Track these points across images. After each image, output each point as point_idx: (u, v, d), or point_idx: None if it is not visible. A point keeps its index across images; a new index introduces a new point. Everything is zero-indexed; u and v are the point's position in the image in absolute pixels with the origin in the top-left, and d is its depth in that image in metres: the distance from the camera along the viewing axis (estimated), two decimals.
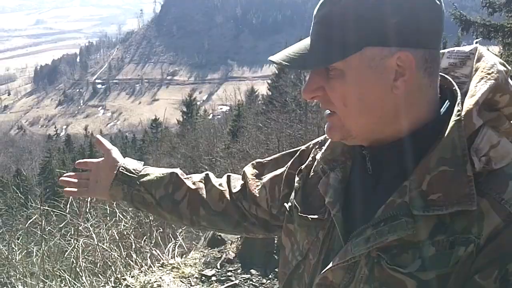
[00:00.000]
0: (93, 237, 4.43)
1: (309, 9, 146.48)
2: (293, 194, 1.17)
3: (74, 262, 4.29)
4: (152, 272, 3.67)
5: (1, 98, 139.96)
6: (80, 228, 4.66)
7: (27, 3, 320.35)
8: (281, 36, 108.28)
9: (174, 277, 3.61)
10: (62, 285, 4.15)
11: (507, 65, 0.97)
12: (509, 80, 0.95)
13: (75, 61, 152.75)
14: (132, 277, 3.63)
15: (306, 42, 0.96)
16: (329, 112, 0.98)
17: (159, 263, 3.96)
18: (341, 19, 0.90)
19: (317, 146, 1.21)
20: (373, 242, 0.92)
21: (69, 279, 4.16)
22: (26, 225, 5.16)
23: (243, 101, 35.92)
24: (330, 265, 0.98)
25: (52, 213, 5.30)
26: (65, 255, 4.75)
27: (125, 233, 4.64)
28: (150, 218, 5.05)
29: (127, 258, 4.16)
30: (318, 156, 1.14)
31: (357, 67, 0.91)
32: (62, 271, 4.46)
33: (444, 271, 0.87)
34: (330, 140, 1.11)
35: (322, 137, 1.22)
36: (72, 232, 4.79)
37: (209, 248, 4.32)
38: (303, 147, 1.27)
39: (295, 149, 1.32)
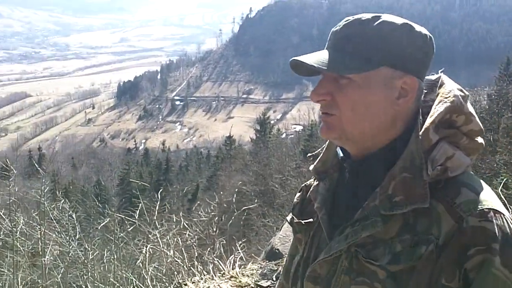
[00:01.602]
0: (160, 244, 4.67)
1: None
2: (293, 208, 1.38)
3: (142, 267, 4.54)
4: (211, 279, 3.84)
5: (86, 111, 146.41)
6: (150, 236, 4.91)
7: (113, 22, 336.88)
8: None
9: (231, 286, 3.76)
10: None
11: (464, 91, 1.15)
12: (466, 103, 1.13)
13: (156, 78, 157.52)
14: (193, 283, 3.81)
15: (323, 54, 1.14)
16: (328, 114, 1.15)
17: (220, 273, 4.13)
18: (367, 40, 1.11)
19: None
20: (350, 239, 1.10)
21: (138, 284, 4.40)
22: (100, 230, 5.48)
23: (316, 121, 35.83)
24: (319, 259, 1.17)
25: (126, 221, 5.58)
26: (136, 263, 4.99)
27: (189, 242, 4.84)
28: (214, 229, 5.25)
29: (190, 267, 4.36)
30: (310, 168, 1.32)
31: (372, 81, 1.11)
32: (132, 277, 4.70)
33: (408, 264, 1.03)
34: (322, 154, 1.30)
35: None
36: (143, 240, 5.05)
37: (267, 260, 4.44)
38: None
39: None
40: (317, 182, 1.29)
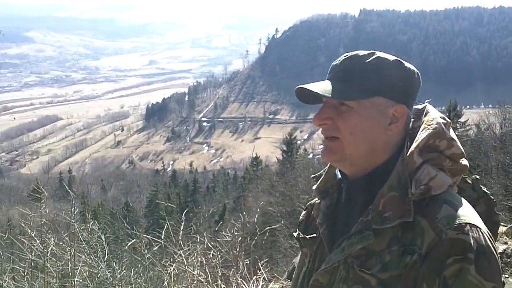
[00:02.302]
0: (185, 263, 4.75)
1: (414, 49, 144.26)
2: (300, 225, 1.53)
3: (167, 287, 4.62)
4: None
5: (115, 134, 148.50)
6: (175, 256, 4.99)
7: (142, 45, 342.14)
8: None
9: None
10: None
11: (447, 119, 1.31)
12: (448, 129, 1.30)
13: (183, 100, 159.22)
14: None
15: (325, 83, 1.31)
16: (330, 138, 1.30)
17: None
18: (364, 73, 1.28)
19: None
20: (347, 251, 1.26)
21: None
22: (127, 251, 5.58)
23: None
24: (320, 269, 1.33)
25: (153, 242, 5.66)
26: (163, 285, 5.05)
27: (214, 262, 4.89)
28: (238, 250, 5.30)
29: (215, 287, 4.42)
30: (315, 189, 1.47)
31: (368, 108, 1.28)
32: None
33: (396, 272, 1.18)
34: (324, 175, 1.46)
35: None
36: (169, 261, 5.12)
37: (288, 280, 4.46)
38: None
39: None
40: (319, 201, 1.45)
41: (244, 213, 6.03)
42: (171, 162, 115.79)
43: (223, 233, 6.22)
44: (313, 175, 1.52)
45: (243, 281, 4.58)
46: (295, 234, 1.53)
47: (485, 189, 2.94)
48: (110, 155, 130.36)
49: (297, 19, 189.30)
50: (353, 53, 1.33)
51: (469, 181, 3.07)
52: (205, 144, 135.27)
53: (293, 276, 1.58)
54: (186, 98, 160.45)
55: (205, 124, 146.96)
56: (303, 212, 1.56)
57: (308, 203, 1.56)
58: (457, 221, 1.17)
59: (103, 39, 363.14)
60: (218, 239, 5.66)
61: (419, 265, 1.17)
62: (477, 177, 3.08)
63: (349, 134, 1.27)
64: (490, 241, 1.18)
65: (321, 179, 1.46)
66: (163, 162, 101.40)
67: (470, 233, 1.15)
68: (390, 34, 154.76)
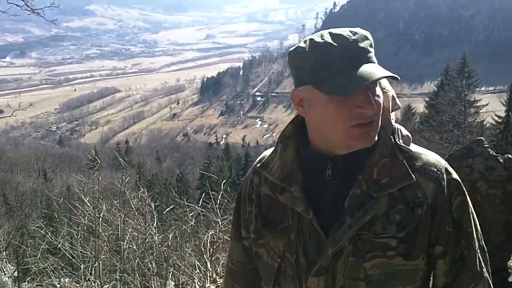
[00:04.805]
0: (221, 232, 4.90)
1: (477, 24, 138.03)
2: (253, 220, 1.45)
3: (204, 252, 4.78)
4: None
5: (171, 107, 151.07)
6: (215, 225, 5.11)
7: (199, 19, 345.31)
8: (446, 51, 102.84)
9: None
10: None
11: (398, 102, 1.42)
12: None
13: (238, 74, 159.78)
14: None
15: (374, 66, 1.23)
16: (372, 121, 1.25)
17: None
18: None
19: (254, 180, 1.48)
20: (355, 226, 1.25)
21: (204, 272, 4.63)
22: (175, 220, 5.76)
23: (399, 119, 34.92)
24: (328, 253, 1.27)
25: (200, 213, 5.81)
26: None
27: None
28: None
29: None
30: (270, 178, 1.40)
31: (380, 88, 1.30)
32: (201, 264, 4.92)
33: (412, 226, 1.26)
34: (275, 164, 1.40)
35: (249, 173, 1.53)
36: (209, 229, 5.25)
37: None
38: (241, 196, 1.54)
39: (235, 204, 1.60)
40: (281, 190, 1.37)
41: None
42: (224, 136, 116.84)
43: None
44: (258, 165, 1.46)
45: None
46: (251, 229, 1.46)
47: None
48: (165, 127, 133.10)
49: None
50: (359, 30, 1.26)
51: (501, 160, 3.01)
52: (258, 119, 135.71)
53: (263, 272, 1.47)
54: (241, 73, 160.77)
55: (259, 98, 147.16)
56: (251, 208, 1.47)
57: (252, 197, 1.48)
58: (441, 165, 1.32)
59: (162, 13, 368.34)
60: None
61: (430, 214, 1.27)
62: (510, 156, 3.01)
63: (380, 115, 1.28)
64: None
65: (275, 167, 1.40)
66: (216, 136, 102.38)
67: (453, 171, 1.33)
68: (453, 9, 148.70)
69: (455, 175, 1.33)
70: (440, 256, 1.32)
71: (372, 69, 1.20)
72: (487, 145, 3.14)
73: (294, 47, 1.29)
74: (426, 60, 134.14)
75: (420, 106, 37.99)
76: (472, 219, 1.34)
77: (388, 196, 1.26)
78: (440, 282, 1.36)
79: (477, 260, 1.34)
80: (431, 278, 1.39)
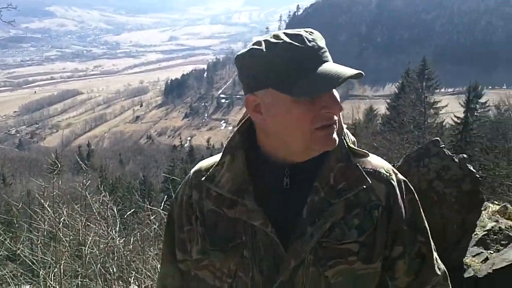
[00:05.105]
0: None
1: (438, 28, 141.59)
2: (198, 239, 1.33)
3: None
4: None
5: (134, 109, 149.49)
6: None
7: (162, 21, 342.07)
8: (406, 55, 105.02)
9: None
10: None
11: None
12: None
13: (202, 76, 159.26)
14: None
15: (341, 66, 1.18)
16: (332, 123, 1.21)
17: None
18: None
19: (191, 195, 1.37)
20: (317, 234, 1.21)
21: None
22: (139, 224, 5.71)
23: (361, 120, 35.51)
24: (291, 266, 1.22)
25: (164, 216, 5.77)
26: None
27: None
28: None
29: None
30: (219, 191, 1.29)
31: None
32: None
33: (371, 228, 1.26)
34: (223, 176, 1.29)
35: (183, 188, 1.42)
36: None
37: None
38: (173, 214, 1.44)
39: (166, 224, 1.51)
40: (231, 203, 1.28)
41: None
42: (189, 138, 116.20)
43: None
44: (203, 178, 1.33)
45: None
46: (196, 251, 1.34)
47: (471, 168, 2.99)
48: (128, 130, 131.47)
49: None
50: (313, 30, 1.21)
51: (456, 160, 3.11)
52: (223, 121, 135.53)
53: None
54: (205, 75, 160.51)
55: (223, 100, 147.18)
56: (189, 227, 1.37)
57: (193, 216, 1.37)
58: (388, 166, 1.34)
59: (124, 14, 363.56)
60: None
61: (385, 215, 1.27)
62: (464, 155, 3.12)
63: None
64: None
65: (223, 180, 1.30)
66: (180, 138, 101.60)
67: (397, 172, 1.36)
68: (413, 13, 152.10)
69: (400, 175, 1.35)
70: (400, 256, 1.33)
71: (337, 68, 1.15)
72: (443, 146, 3.23)
73: (245, 50, 1.22)
74: (387, 62, 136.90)
75: (382, 108, 38.66)
76: (423, 215, 1.37)
77: (345, 201, 1.24)
78: (402, 282, 1.36)
79: (433, 253, 1.37)
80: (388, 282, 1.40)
